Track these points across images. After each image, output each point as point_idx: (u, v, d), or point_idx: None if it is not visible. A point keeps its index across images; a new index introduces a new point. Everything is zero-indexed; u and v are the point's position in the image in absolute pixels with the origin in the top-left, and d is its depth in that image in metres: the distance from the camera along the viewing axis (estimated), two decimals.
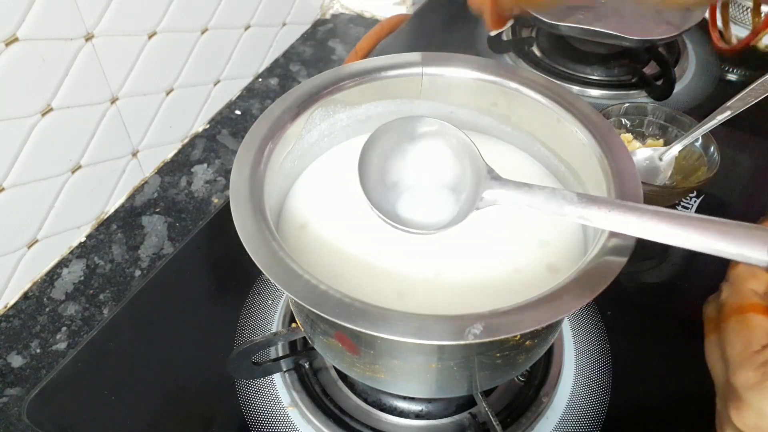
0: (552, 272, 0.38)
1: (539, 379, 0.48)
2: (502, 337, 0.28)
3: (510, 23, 0.33)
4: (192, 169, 0.73)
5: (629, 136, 0.65)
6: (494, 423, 0.42)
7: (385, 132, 0.37)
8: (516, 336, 0.32)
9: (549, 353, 0.49)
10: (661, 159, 0.60)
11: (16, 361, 0.55)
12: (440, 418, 0.46)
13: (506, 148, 0.46)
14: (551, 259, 0.38)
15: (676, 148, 0.60)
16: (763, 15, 0.76)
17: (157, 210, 0.68)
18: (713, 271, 0.58)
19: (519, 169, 0.45)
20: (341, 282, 0.37)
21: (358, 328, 0.29)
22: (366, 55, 0.82)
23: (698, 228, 0.29)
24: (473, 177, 0.36)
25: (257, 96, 0.83)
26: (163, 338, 0.53)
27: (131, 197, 0.70)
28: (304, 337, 0.43)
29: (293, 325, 0.44)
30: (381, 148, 0.38)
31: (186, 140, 0.76)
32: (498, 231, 0.40)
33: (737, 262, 0.32)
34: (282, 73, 0.87)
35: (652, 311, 0.54)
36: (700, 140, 0.60)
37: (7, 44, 0.51)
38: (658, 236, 0.29)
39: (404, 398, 0.47)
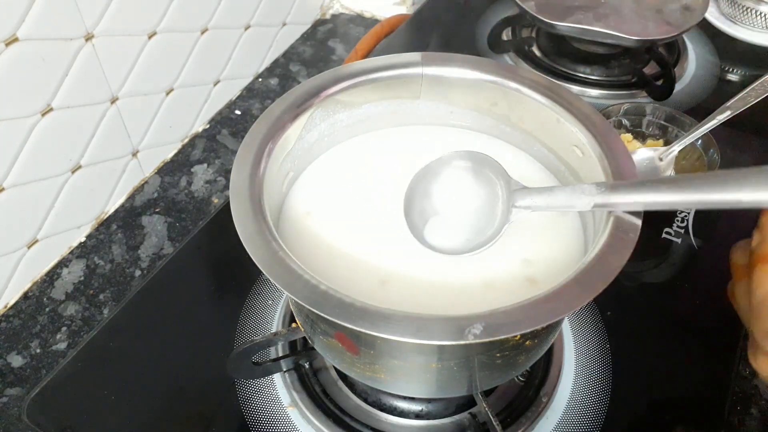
0: (532, 284, 0.38)
1: (539, 379, 0.48)
2: (502, 337, 0.28)
3: None
4: (192, 169, 0.73)
5: (629, 136, 0.65)
6: (494, 423, 0.42)
7: (425, 174, 0.40)
8: (516, 336, 0.32)
9: (549, 353, 0.49)
10: (661, 159, 0.60)
11: (16, 361, 0.55)
12: (440, 418, 0.46)
13: (506, 148, 0.46)
14: (534, 275, 0.39)
15: (676, 148, 0.60)
16: None
17: (157, 210, 0.68)
18: (713, 271, 0.58)
19: (519, 169, 0.45)
20: (331, 275, 0.37)
21: (358, 329, 0.29)
22: (366, 55, 0.82)
23: (717, 183, 0.29)
24: (504, 195, 0.37)
25: (257, 96, 0.83)
26: (163, 338, 0.53)
27: (131, 197, 0.70)
28: (304, 337, 0.43)
29: (293, 325, 0.44)
30: (420, 188, 0.40)
31: (186, 140, 0.76)
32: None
33: None
34: (282, 73, 0.87)
35: (652, 311, 0.54)
36: (700, 140, 0.60)
37: (7, 44, 0.51)
38: (683, 204, 0.30)
39: (404, 398, 0.47)
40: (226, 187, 0.70)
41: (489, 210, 0.39)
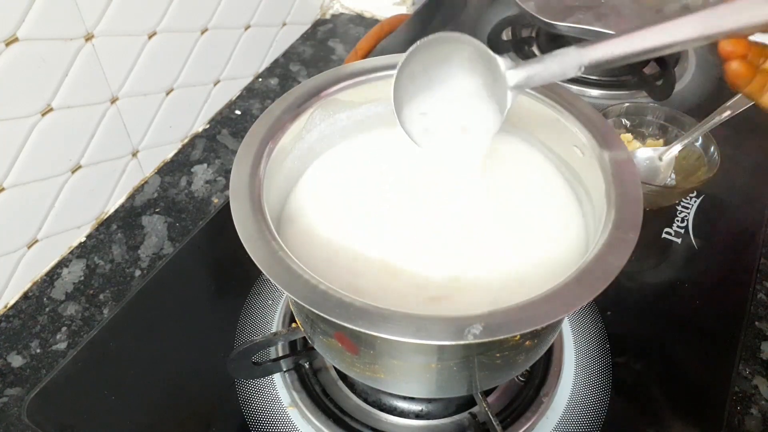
0: (531, 284, 0.38)
1: (539, 379, 0.48)
2: (502, 337, 0.28)
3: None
4: (192, 169, 0.73)
5: (629, 136, 0.65)
6: (494, 423, 0.42)
7: (410, 63, 0.38)
8: (515, 336, 0.32)
9: (549, 353, 0.49)
10: (661, 159, 0.60)
11: (16, 361, 0.55)
12: (440, 418, 0.46)
13: (509, 139, 0.46)
14: (533, 275, 0.38)
15: (676, 148, 0.60)
16: None
17: (157, 210, 0.68)
18: (713, 271, 0.58)
19: (521, 161, 0.45)
20: (331, 275, 0.37)
21: (357, 328, 0.29)
22: (366, 55, 0.82)
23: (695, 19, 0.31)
24: (497, 78, 0.37)
25: (257, 96, 0.83)
26: (163, 338, 0.53)
27: (131, 197, 0.70)
28: (304, 337, 0.43)
29: (293, 325, 0.44)
30: (410, 73, 0.39)
31: (186, 140, 0.76)
32: (492, 234, 0.40)
33: None
34: (282, 73, 0.87)
35: (652, 311, 0.54)
36: (700, 140, 0.60)
37: (7, 44, 0.51)
38: (660, 45, 0.32)
39: (404, 398, 0.47)
40: (226, 187, 0.70)
41: (484, 98, 0.39)
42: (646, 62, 0.78)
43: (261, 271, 0.31)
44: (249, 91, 0.83)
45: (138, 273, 0.62)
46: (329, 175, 0.45)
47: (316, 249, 0.40)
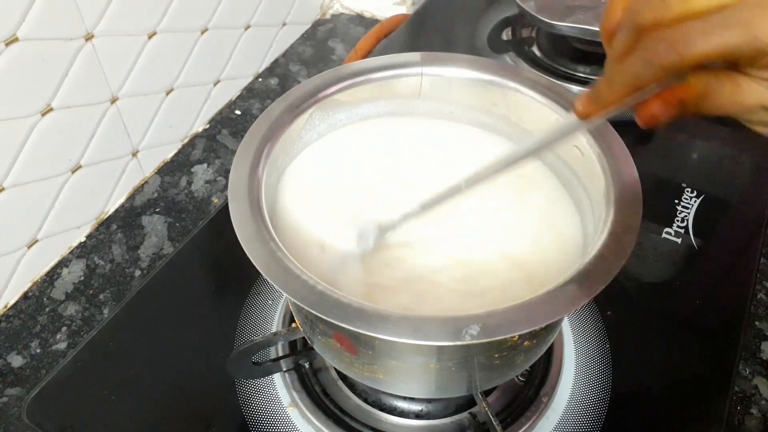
0: (531, 285, 0.37)
1: (539, 379, 0.48)
2: (500, 337, 0.28)
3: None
4: (192, 169, 0.73)
5: None
6: (494, 423, 0.42)
7: None
8: (514, 337, 0.32)
9: (549, 353, 0.49)
10: None
11: (16, 361, 0.55)
12: (440, 418, 0.46)
13: (507, 146, 0.46)
14: (533, 275, 0.38)
15: None
16: None
17: (157, 210, 0.68)
18: (713, 271, 0.58)
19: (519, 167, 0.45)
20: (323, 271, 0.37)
21: (355, 329, 0.29)
22: (366, 55, 0.82)
23: None
24: None
25: (257, 96, 0.83)
26: (163, 338, 0.53)
27: (131, 197, 0.70)
28: (304, 337, 0.43)
29: (293, 325, 0.44)
30: None
31: (186, 140, 0.76)
32: (488, 234, 0.40)
33: None
34: (282, 73, 0.87)
35: (652, 311, 0.54)
36: None
37: (7, 44, 0.51)
38: None
39: (404, 398, 0.47)
40: (227, 186, 0.70)
41: None
42: None
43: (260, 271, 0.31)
44: (249, 91, 0.83)
45: (138, 273, 0.62)
46: (327, 172, 0.45)
47: (304, 242, 0.39)
